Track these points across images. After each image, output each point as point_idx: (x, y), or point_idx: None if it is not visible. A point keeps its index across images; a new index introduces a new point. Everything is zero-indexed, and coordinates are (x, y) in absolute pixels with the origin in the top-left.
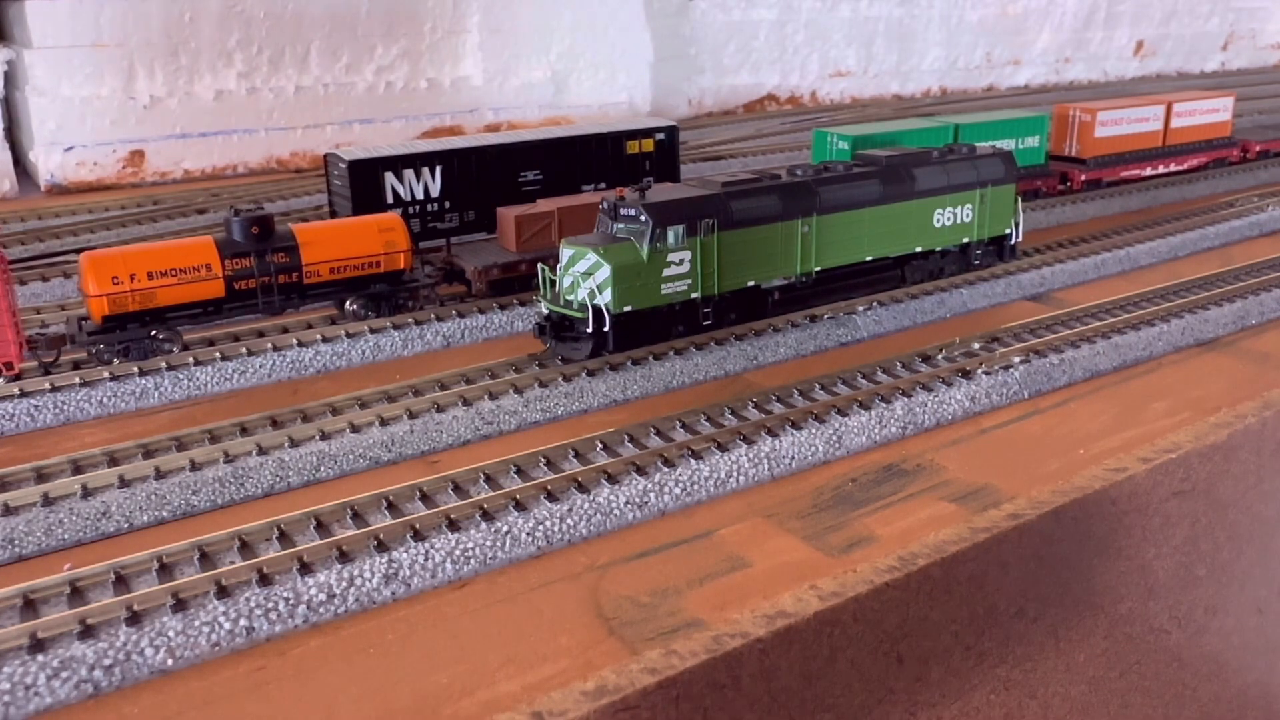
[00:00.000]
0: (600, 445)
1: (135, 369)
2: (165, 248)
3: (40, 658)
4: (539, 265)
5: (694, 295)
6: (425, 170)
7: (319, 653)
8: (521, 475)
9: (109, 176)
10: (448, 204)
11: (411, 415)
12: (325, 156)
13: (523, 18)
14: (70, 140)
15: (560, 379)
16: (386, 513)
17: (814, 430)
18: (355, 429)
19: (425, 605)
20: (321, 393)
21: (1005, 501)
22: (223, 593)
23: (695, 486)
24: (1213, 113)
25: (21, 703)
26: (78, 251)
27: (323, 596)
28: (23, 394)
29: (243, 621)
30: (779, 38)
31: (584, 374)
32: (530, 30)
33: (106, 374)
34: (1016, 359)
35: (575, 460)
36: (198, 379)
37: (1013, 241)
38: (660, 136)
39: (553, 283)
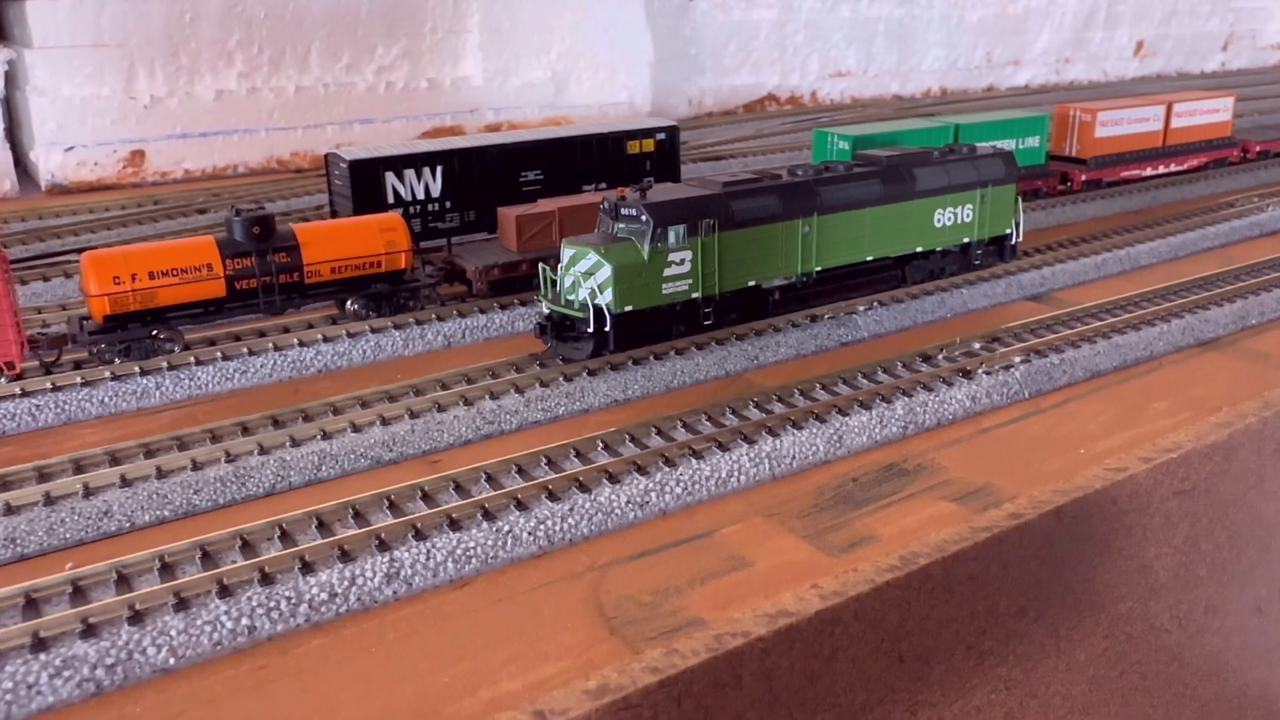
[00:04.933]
0: (601, 445)
1: (136, 368)
2: (166, 247)
3: (42, 657)
4: (540, 265)
5: (695, 295)
6: (426, 170)
7: (321, 652)
8: (523, 475)
9: (109, 176)
10: (448, 204)
11: (413, 415)
12: (326, 156)
13: (523, 18)
14: (71, 140)
15: (561, 379)
16: (388, 512)
17: (815, 430)
18: (357, 428)
19: (427, 604)
20: (323, 392)
21: (1006, 501)
22: (224, 592)
23: (696, 486)
24: (1213, 113)
25: (24, 701)
26: (79, 251)
27: (324, 596)
28: (24, 394)
29: (244, 621)
30: (779, 38)
31: (585, 374)
32: (530, 30)
33: (108, 373)
34: (1017, 359)
35: (576, 460)
36: (199, 378)
37: (1013, 241)
38: (661, 136)
39: (554, 282)
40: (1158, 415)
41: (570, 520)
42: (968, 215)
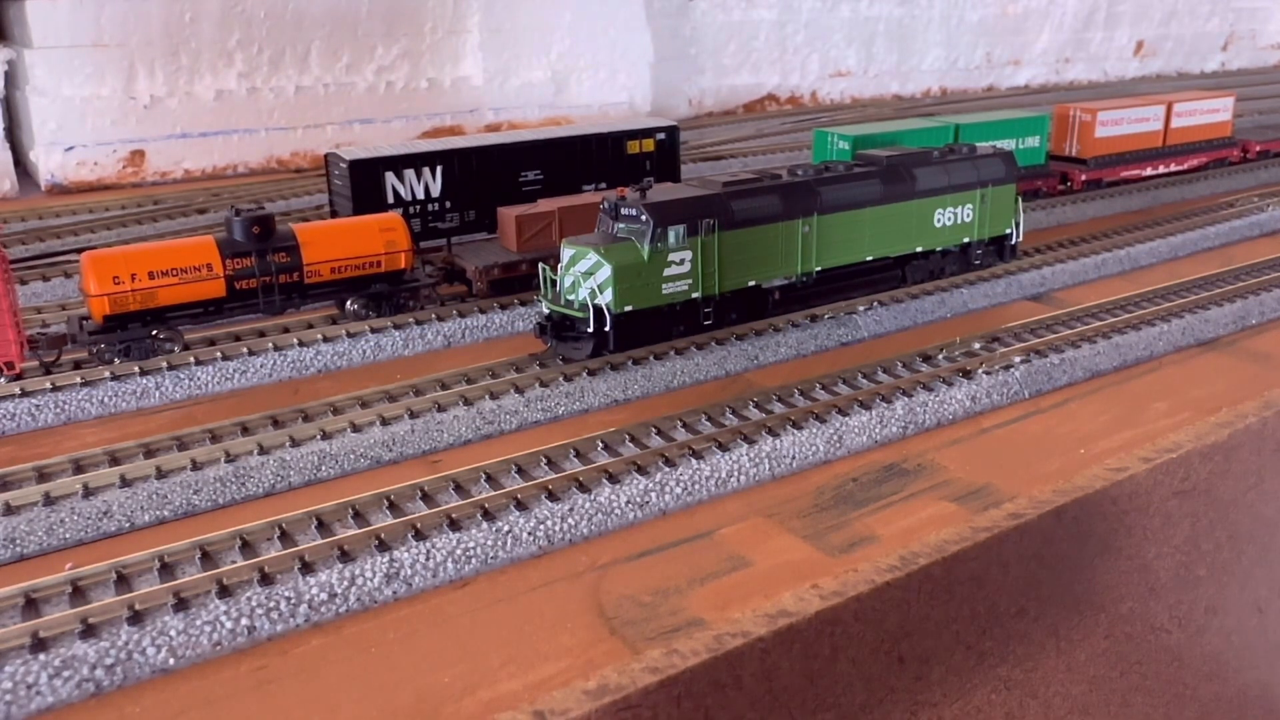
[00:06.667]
0: (601, 445)
1: (136, 368)
2: (166, 247)
3: (42, 657)
4: (540, 265)
5: (695, 295)
6: (426, 170)
7: (320, 652)
8: (523, 475)
9: (109, 176)
10: (448, 204)
11: (413, 415)
12: (326, 156)
13: (523, 18)
14: (71, 140)
15: (561, 378)
16: (388, 512)
17: (815, 430)
18: (356, 428)
19: (427, 605)
20: (322, 392)
21: (1006, 501)
22: (224, 592)
23: (696, 486)
24: (1213, 113)
25: (24, 702)
26: (78, 251)
27: (324, 596)
28: (24, 394)
29: (244, 621)
30: (779, 38)
31: (585, 374)
32: (530, 30)
33: (108, 373)
34: (1017, 359)
35: (576, 460)
36: (199, 379)
37: (1013, 241)
38: (661, 136)
39: (554, 282)
40: (1158, 415)
41: (570, 520)
42: (968, 215)
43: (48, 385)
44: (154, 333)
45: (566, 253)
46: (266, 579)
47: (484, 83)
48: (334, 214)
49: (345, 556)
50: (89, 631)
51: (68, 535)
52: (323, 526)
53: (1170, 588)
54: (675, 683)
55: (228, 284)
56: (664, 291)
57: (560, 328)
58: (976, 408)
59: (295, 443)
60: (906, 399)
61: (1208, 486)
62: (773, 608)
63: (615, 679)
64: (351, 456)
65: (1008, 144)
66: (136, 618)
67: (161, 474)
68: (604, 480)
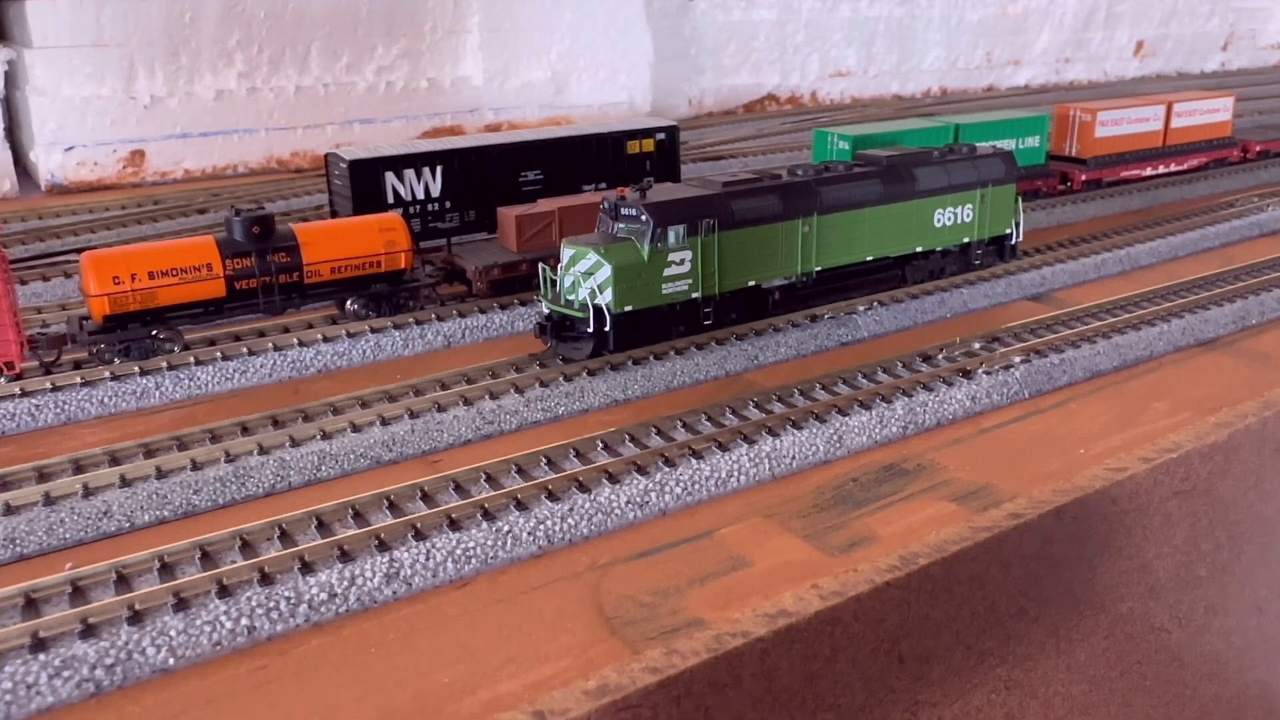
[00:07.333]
0: (601, 445)
1: (136, 368)
2: (166, 247)
3: (42, 657)
4: (540, 265)
5: (695, 295)
6: (426, 170)
7: (320, 652)
8: (522, 475)
9: (109, 176)
10: (448, 204)
11: (413, 415)
12: (326, 156)
13: (523, 18)
14: (71, 140)
15: (561, 378)
16: (388, 512)
17: (815, 430)
18: (356, 428)
19: (426, 605)
20: (322, 392)
21: (1006, 501)
22: (224, 592)
23: (696, 486)
24: (1213, 113)
25: (23, 702)
26: (78, 251)
27: (324, 596)
28: (24, 394)
29: (244, 621)
30: (779, 38)
31: (585, 373)
32: (530, 30)
33: (107, 373)
34: (1017, 359)
35: (576, 460)
36: (199, 379)
37: (1013, 241)
38: (661, 136)
39: (553, 282)
40: (1158, 415)
41: (570, 520)
42: (968, 215)
43: (48, 385)
44: (154, 333)
45: (566, 253)
46: (266, 579)
47: (484, 83)
48: (334, 214)
49: (345, 556)
50: (89, 631)
51: (68, 535)
52: (323, 526)
53: (1170, 588)
54: (675, 683)
55: (228, 284)
56: (664, 291)
57: (560, 328)
58: (976, 408)
59: (295, 443)
60: (906, 399)
61: (1208, 486)
62: (773, 608)
63: (615, 679)
64: (351, 456)
65: (1008, 144)
66: (136, 618)
67: (161, 474)
68: (604, 480)
